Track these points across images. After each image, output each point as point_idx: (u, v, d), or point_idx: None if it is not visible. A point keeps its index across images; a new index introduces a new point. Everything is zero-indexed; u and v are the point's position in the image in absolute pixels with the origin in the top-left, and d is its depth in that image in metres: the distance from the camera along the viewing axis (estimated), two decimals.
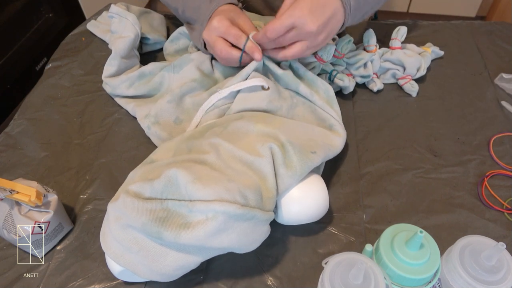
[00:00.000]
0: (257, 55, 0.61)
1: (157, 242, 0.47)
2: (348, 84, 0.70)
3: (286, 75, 0.65)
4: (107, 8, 0.92)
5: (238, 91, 0.64)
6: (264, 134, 0.56)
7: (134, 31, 0.73)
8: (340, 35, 0.72)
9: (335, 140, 0.60)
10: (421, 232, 0.41)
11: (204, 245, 0.47)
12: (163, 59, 0.81)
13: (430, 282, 0.43)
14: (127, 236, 0.47)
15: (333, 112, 0.64)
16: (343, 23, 0.62)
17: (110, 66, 0.72)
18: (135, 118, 0.70)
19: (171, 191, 0.49)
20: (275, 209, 0.54)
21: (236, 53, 0.62)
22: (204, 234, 0.46)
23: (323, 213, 0.54)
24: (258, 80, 0.62)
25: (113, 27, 0.76)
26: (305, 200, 0.52)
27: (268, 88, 0.63)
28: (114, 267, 0.49)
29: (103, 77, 0.73)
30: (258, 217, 0.48)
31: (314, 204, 0.52)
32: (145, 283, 0.52)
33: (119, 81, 0.71)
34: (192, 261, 0.48)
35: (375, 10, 0.71)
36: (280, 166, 0.52)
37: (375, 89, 0.73)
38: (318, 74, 0.71)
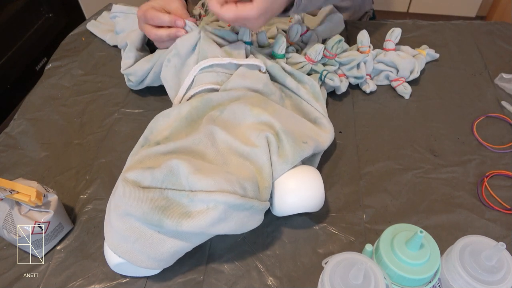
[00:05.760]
0: (179, 22, 0.65)
1: (155, 229, 0.48)
2: (338, 84, 0.70)
3: (273, 67, 0.66)
4: (107, 8, 0.92)
5: (238, 68, 0.64)
6: (260, 122, 0.57)
7: None
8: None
9: (323, 136, 0.61)
10: (421, 232, 0.41)
11: (203, 233, 0.49)
12: None
13: (430, 282, 0.43)
14: (124, 225, 0.48)
15: (318, 106, 0.65)
16: (287, 9, 0.64)
17: (127, 59, 0.71)
18: (135, 118, 0.70)
19: (172, 181, 0.50)
20: (270, 200, 0.55)
21: (162, 32, 0.66)
22: (205, 223, 0.47)
23: (319, 202, 0.54)
24: (258, 61, 0.64)
25: (118, 27, 0.75)
26: (300, 189, 0.53)
27: (265, 72, 0.65)
28: (111, 258, 0.50)
29: (122, 71, 0.71)
30: (256, 207, 0.50)
31: (309, 192, 0.53)
32: (146, 280, 0.52)
33: (138, 65, 0.70)
34: (188, 246, 0.50)
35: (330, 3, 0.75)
36: (273, 154, 0.54)
37: (367, 91, 0.73)
38: (309, 74, 0.71)
